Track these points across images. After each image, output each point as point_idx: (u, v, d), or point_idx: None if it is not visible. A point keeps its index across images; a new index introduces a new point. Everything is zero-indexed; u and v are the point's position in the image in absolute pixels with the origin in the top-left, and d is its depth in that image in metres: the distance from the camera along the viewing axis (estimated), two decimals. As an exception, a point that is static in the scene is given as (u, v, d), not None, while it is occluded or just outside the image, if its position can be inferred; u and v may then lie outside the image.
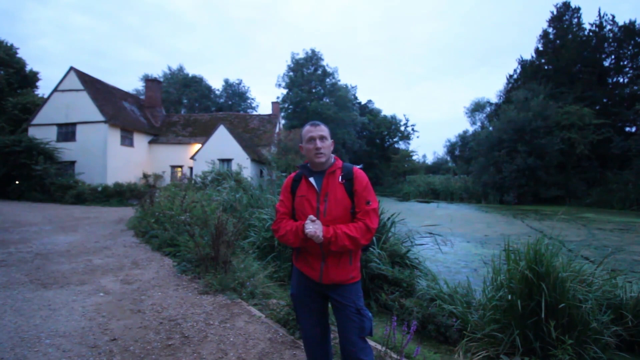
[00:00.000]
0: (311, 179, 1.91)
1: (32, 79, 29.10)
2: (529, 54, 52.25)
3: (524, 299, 2.79)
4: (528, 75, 32.28)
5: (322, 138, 1.88)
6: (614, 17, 29.10)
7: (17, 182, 17.71)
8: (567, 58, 29.58)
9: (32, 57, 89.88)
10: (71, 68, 20.83)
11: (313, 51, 43.37)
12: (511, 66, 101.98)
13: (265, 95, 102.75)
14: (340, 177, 1.89)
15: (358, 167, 2.00)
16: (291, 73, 43.72)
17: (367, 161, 47.85)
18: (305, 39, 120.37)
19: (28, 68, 28.92)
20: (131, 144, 22.75)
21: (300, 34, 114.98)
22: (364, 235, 1.78)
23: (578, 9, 31.43)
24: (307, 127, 1.94)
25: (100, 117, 20.08)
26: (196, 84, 47.30)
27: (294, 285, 2.05)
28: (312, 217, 1.77)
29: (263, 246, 5.28)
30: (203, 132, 25.56)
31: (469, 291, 3.74)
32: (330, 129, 2.00)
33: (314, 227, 1.74)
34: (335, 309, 1.94)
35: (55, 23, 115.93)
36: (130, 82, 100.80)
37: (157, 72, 60.55)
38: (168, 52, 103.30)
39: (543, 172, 25.71)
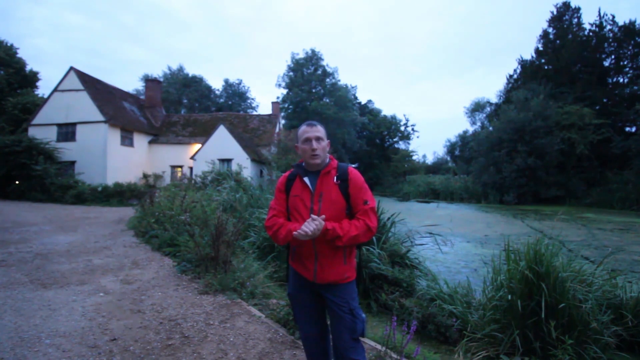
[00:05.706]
0: (305, 179, 1.89)
1: (32, 79, 29.08)
2: (529, 54, 52.32)
3: (524, 299, 2.79)
4: (528, 75, 32.24)
5: (318, 139, 1.86)
6: (614, 17, 29.10)
7: (17, 182, 17.70)
8: (567, 58, 29.56)
9: (27, 56, 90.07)
10: (71, 68, 20.81)
11: (313, 51, 43.35)
12: (511, 66, 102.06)
13: (265, 95, 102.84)
14: (335, 177, 1.87)
15: (353, 166, 1.97)
16: (291, 73, 43.67)
17: (367, 161, 47.77)
18: (302, 38, 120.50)
19: (27, 68, 28.93)
20: (131, 144, 22.75)
21: (297, 34, 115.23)
22: (364, 234, 1.78)
23: (578, 9, 31.42)
24: (303, 127, 1.91)
25: (100, 117, 20.08)
26: (196, 84, 47.30)
27: (290, 285, 2.06)
28: (314, 216, 1.72)
29: (263, 246, 5.29)
30: (203, 132, 25.56)
31: (469, 291, 3.75)
32: (330, 129, 2.01)
33: (305, 227, 1.67)
34: (328, 308, 1.93)
35: (49, 22, 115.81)
36: (127, 81, 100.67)
37: (155, 71, 60.78)
38: (165, 52, 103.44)
39: (543, 172, 25.70)
